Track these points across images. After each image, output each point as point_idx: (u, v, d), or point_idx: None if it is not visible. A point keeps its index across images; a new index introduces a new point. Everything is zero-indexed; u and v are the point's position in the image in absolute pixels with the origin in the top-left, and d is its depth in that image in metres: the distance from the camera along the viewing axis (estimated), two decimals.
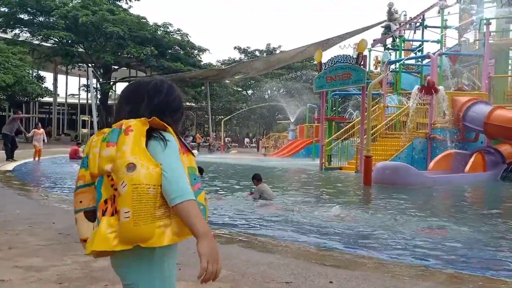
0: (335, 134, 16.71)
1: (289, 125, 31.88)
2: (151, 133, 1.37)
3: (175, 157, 1.35)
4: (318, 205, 7.06)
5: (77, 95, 47.36)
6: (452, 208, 7.72)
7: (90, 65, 36.97)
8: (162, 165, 1.31)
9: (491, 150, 12.70)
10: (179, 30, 40.58)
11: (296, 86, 39.59)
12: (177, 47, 40.38)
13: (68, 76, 44.07)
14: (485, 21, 16.34)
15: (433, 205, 8.13)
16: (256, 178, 7.52)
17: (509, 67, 20.37)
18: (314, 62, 16.96)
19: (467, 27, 20.79)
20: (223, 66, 42.54)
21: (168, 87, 1.54)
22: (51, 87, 38.84)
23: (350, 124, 16.93)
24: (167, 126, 1.39)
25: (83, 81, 44.59)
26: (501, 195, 9.87)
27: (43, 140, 15.36)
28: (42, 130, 15.92)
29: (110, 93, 42.23)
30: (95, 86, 38.44)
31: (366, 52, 16.34)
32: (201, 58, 43.27)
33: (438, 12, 21.00)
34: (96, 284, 2.89)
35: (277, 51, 45.48)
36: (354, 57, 14.12)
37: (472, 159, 12.01)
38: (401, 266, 3.57)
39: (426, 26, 22.23)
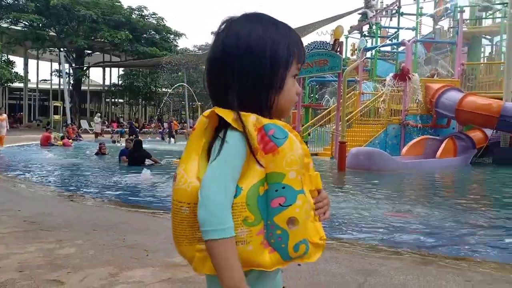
0: (311, 121, 16.79)
1: None
2: (220, 131, 0.99)
3: (224, 169, 0.94)
4: None
5: (49, 80, 46.04)
6: (421, 192, 7.89)
7: (62, 49, 35.90)
8: (203, 179, 0.96)
9: (462, 136, 13.01)
10: (154, 14, 39.85)
11: None
12: (152, 32, 39.62)
13: (39, 61, 42.76)
14: (458, 9, 16.59)
15: (404, 189, 8.29)
16: None
17: (482, 55, 20.84)
18: None
19: (441, 14, 21.08)
20: (200, 51, 42.02)
21: (248, 27, 1.02)
22: (21, 72, 37.63)
23: (326, 111, 17.03)
24: (235, 119, 0.97)
25: (55, 66, 43.31)
26: (469, 179, 10.16)
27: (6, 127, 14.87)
28: (5, 116, 15.42)
29: (83, 78, 41.22)
30: (67, 71, 37.41)
31: (343, 39, 16.37)
32: (177, 43, 42.68)
33: (414, 0, 21.21)
34: (59, 272, 2.81)
35: None
36: (330, 43, 14.11)
37: (443, 145, 12.28)
38: (369, 248, 3.62)
39: (402, 14, 22.46)
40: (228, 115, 0.97)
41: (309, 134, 15.64)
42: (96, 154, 13.30)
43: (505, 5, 15.98)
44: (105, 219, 4.51)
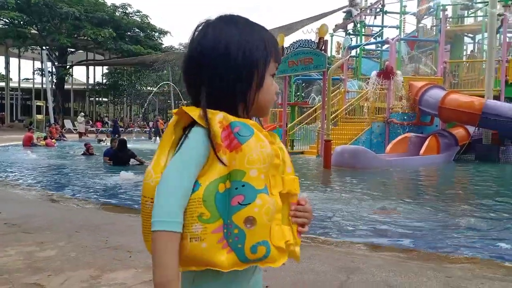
0: (297, 119, 16.84)
1: None
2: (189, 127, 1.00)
3: (184, 163, 0.94)
4: None
5: (31, 79, 45.25)
6: (405, 190, 7.98)
7: (44, 47, 35.28)
8: (163, 172, 0.97)
9: (445, 133, 13.20)
10: (138, 11, 39.47)
11: None
12: (136, 30, 39.25)
13: (21, 59, 42.00)
14: (441, 7, 16.81)
15: (388, 187, 8.36)
16: None
17: (464, 53, 21.16)
18: None
19: (424, 13, 21.35)
20: (185, 49, 41.77)
21: (217, 26, 1.02)
22: (2, 71, 36.95)
23: (312, 109, 17.10)
24: (200, 115, 0.96)
25: (37, 64, 42.60)
26: (453, 177, 10.31)
27: None
28: None
29: (66, 77, 40.62)
30: (50, 69, 36.82)
31: (328, 37, 16.47)
32: (162, 41, 42.35)
33: None
34: (39, 275, 2.77)
35: None
36: (315, 42, 14.16)
37: (427, 142, 12.44)
38: (352, 245, 3.64)
39: (386, 12, 22.67)
40: (194, 112, 0.97)
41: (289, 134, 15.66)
42: (84, 154, 13.13)
43: (486, 4, 16.23)
44: (88, 220, 4.46)
